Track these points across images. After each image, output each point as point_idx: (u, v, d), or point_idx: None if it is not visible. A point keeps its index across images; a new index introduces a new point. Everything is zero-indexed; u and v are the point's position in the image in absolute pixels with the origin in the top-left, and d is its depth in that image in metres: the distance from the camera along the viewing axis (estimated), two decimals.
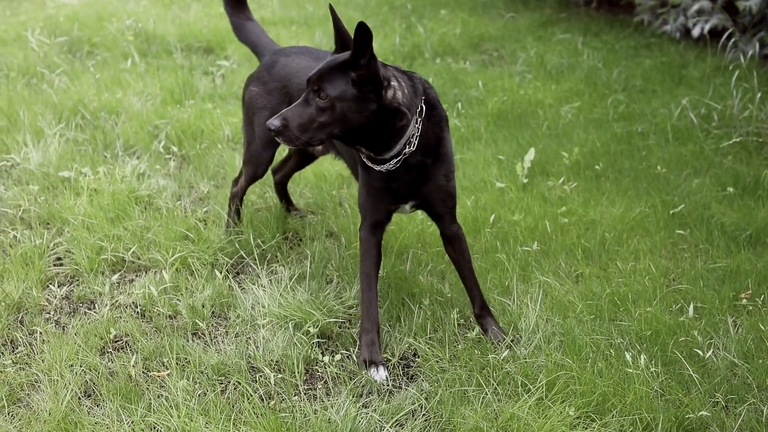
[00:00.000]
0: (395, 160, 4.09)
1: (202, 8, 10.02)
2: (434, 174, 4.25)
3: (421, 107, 4.10)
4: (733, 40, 8.34)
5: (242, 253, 5.13)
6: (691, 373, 4.06)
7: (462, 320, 4.62)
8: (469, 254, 4.54)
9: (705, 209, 5.69)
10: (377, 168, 4.14)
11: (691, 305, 4.58)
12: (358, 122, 3.91)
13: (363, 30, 3.71)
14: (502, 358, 4.19)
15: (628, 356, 4.12)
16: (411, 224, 5.43)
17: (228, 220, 5.40)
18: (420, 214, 5.41)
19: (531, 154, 6.21)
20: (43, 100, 7.22)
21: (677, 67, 8.31)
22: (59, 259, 5.19)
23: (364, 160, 4.17)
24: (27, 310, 4.70)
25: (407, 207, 4.36)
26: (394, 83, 3.97)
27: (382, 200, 4.30)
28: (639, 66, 8.37)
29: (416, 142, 4.08)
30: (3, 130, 6.64)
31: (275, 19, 10.14)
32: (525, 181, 6.04)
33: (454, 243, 4.49)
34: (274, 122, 3.87)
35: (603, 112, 7.30)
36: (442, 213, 4.41)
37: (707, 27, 8.77)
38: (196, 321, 4.52)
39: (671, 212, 5.64)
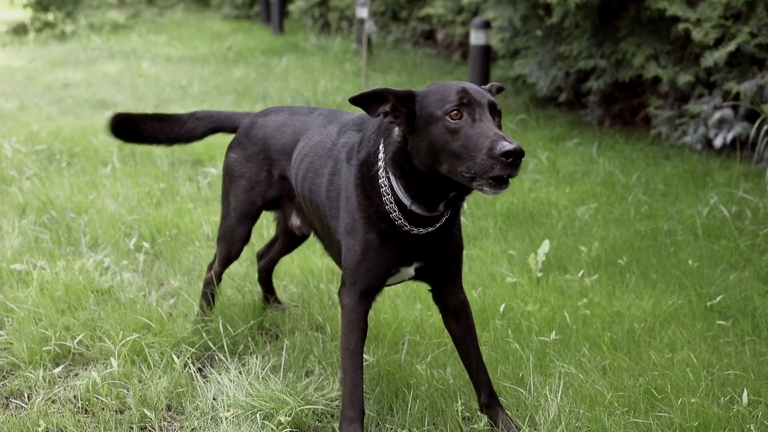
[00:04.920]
0: (443, 220, 3.49)
1: None
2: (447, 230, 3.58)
3: None
4: (758, 147, 7.78)
5: (208, 341, 4.37)
6: None
7: (467, 413, 3.83)
8: (476, 330, 3.78)
9: (747, 301, 4.95)
10: (415, 231, 3.44)
11: (745, 392, 3.79)
12: None
13: None
14: None
15: None
16: (408, 313, 4.69)
17: (199, 310, 4.67)
18: (419, 297, 4.70)
19: (545, 247, 5.51)
20: (9, 201, 6.58)
21: (701, 174, 7.67)
22: None
23: (400, 220, 3.43)
24: None
25: (411, 270, 3.61)
26: None
27: (383, 261, 3.54)
28: (659, 172, 7.74)
29: None
30: None
31: None
32: (539, 275, 5.32)
33: (459, 316, 3.74)
34: (515, 144, 3.01)
35: (624, 212, 6.63)
36: (453, 274, 3.69)
37: (730, 137, 8.20)
38: (145, 411, 3.73)
39: (708, 304, 4.91)
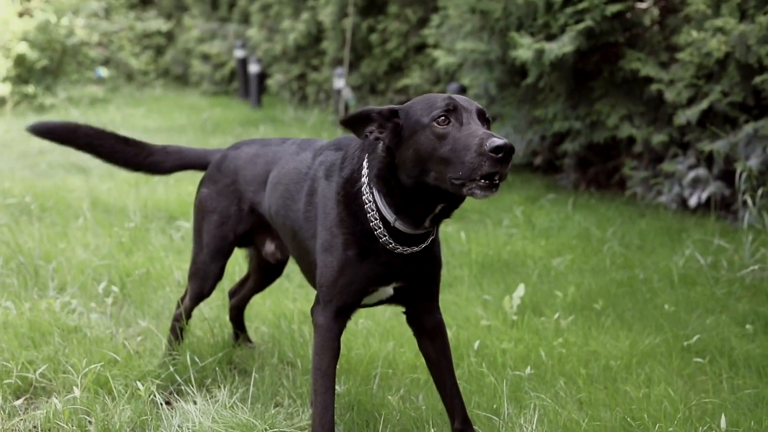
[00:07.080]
0: (429, 240, 3.45)
1: (170, 185, 9.42)
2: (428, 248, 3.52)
3: None
4: (734, 206, 7.81)
5: (174, 373, 4.25)
6: None
7: None
8: (451, 353, 3.70)
9: (724, 342, 4.89)
10: (399, 249, 3.38)
11: (723, 417, 3.72)
12: None
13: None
14: None
15: None
16: (381, 348, 4.60)
17: (166, 344, 4.55)
18: (392, 335, 4.61)
19: (521, 290, 5.45)
20: None
21: (676, 231, 7.66)
22: None
23: (384, 237, 3.37)
24: None
25: (389, 289, 3.53)
26: None
27: (361, 278, 3.45)
28: (635, 228, 7.73)
29: None
30: None
31: None
32: (514, 318, 5.24)
33: (435, 337, 3.66)
34: (504, 140, 2.95)
35: (599, 262, 6.59)
36: (431, 293, 3.63)
37: (704, 196, 8.21)
38: None
39: (685, 344, 4.85)
